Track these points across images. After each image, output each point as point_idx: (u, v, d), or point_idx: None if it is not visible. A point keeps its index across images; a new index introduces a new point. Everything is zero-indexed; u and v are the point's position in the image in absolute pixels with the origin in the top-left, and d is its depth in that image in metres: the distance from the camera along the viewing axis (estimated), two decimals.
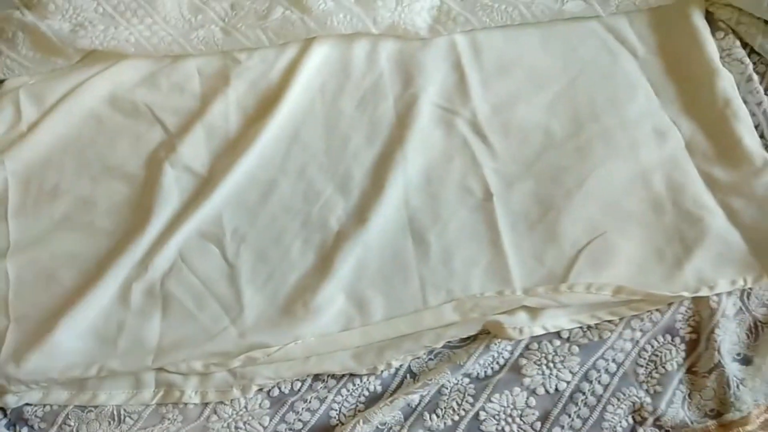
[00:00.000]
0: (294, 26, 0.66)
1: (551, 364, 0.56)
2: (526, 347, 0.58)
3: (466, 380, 0.57)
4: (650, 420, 0.55)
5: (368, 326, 0.57)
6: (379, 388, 0.57)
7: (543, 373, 0.56)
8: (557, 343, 0.58)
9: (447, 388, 0.56)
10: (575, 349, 0.57)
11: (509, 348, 0.57)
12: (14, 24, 0.64)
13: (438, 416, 0.55)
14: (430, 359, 0.58)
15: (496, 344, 0.57)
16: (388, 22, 0.67)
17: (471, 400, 0.56)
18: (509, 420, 0.55)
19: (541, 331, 0.57)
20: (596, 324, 0.58)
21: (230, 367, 0.56)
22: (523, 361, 0.57)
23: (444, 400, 0.56)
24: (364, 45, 0.69)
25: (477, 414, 0.55)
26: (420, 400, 0.56)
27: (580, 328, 0.58)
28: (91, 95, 0.67)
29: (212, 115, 0.66)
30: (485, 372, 0.57)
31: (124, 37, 0.65)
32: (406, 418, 0.55)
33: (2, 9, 0.67)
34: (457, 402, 0.55)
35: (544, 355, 0.57)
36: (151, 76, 0.68)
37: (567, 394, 0.56)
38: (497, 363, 0.57)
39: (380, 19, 0.67)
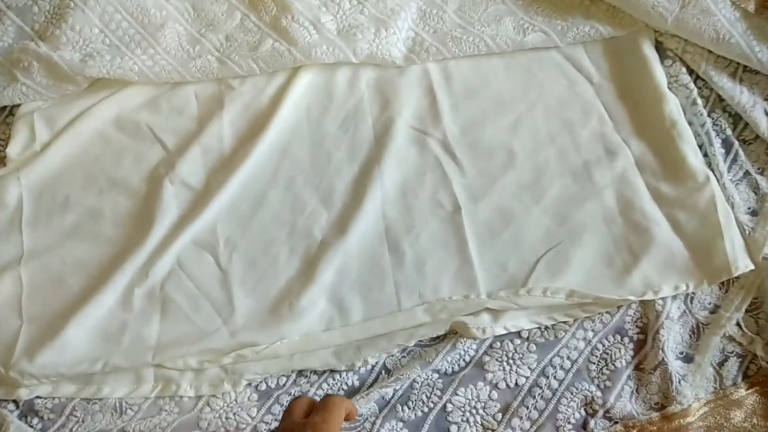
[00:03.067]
0: (282, 56, 0.71)
1: (511, 361, 0.62)
2: (490, 346, 0.63)
3: (435, 375, 0.62)
4: (600, 412, 0.60)
5: (347, 327, 0.62)
6: (357, 383, 0.62)
7: (504, 369, 0.62)
8: (517, 342, 0.63)
9: (418, 383, 0.61)
10: (533, 347, 0.62)
11: (474, 346, 0.63)
12: (30, 54, 0.69)
13: (409, 408, 0.60)
14: (403, 356, 0.63)
15: (462, 343, 0.63)
16: (366, 53, 0.72)
17: (439, 393, 0.61)
18: (473, 411, 0.60)
19: (503, 331, 0.63)
20: (552, 325, 0.63)
21: (222, 364, 0.61)
22: (486, 359, 0.62)
23: (415, 394, 0.61)
24: (345, 72, 0.74)
25: (444, 406, 0.60)
26: (393, 394, 0.61)
27: (538, 328, 0.63)
28: (98, 117, 0.71)
29: (208, 136, 0.71)
30: (452, 368, 0.62)
31: (128, 66, 0.70)
32: (380, 410, 0.60)
33: (18, 40, 0.73)
34: (426, 395, 0.61)
35: (505, 353, 0.62)
36: (152, 100, 0.73)
37: (525, 388, 0.61)
38: (463, 360, 0.63)
39: (359, 50, 0.72)
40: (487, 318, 0.63)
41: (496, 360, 0.62)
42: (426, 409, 0.60)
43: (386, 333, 0.63)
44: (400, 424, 0.60)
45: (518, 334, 0.63)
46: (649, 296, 0.62)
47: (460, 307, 0.62)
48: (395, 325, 0.63)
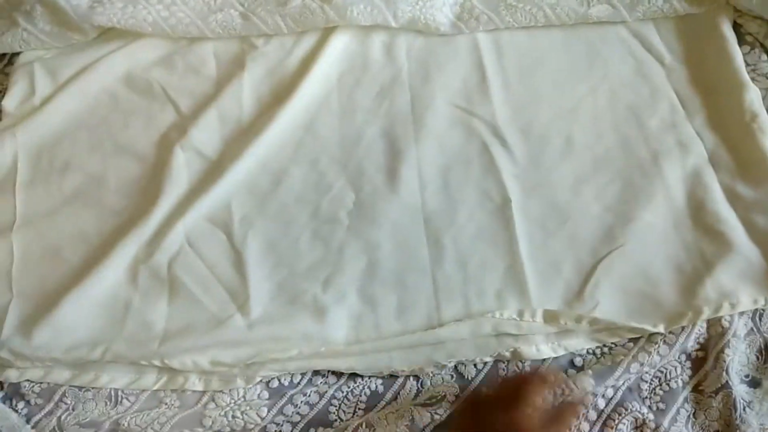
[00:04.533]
0: (313, 14, 0.65)
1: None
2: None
3: None
4: None
5: (378, 341, 0.56)
6: (381, 388, 0.56)
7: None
8: (572, 371, 0.56)
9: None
10: (589, 372, 0.55)
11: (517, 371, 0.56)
12: None
13: None
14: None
15: (506, 364, 0.56)
16: (408, 16, 0.66)
17: None
18: None
19: (562, 352, 0.56)
20: (611, 347, 0.56)
21: (235, 369, 0.55)
22: None
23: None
24: (383, 38, 0.68)
25: None
26: (430, 421, 0.54)
27: (594, 354, 0.56)
28: (106, 73, 0.66)
29: (226, 100, 0.65)
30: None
31: (142, 16, 0.64)
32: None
33: None
34: None
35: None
36: (167, 57, 0.67)
37: None
38: None
39: (401, 12, 0.65)
40: (541, 337, 0.56)
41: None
42: None
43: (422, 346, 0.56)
44: None
45: (572, 362, 0.56)
46: (725, 309, 0.55)
47: (510, 330, 0.55)
48: (433, 340, 0.56)
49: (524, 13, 0.66)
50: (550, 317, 0.55)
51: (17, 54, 0.67)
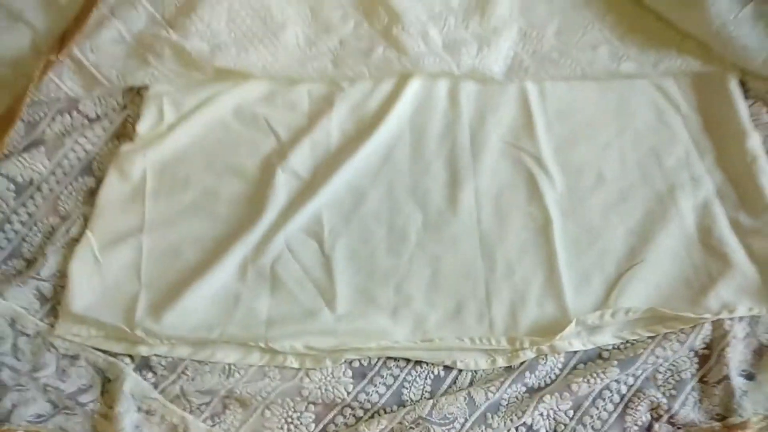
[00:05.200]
0: (391, 64, 0.77)
1: (596, 376, 0.66)
2: (574, 366, 0.67)
3: (523, 389, 0.67)
4: (665, 417, 0.66)
5: (435, 342, 0.67)
6: (442, 373, 0.68)
7: (588, 383, 0.66)
8: (599, 361, 0.67)
9: (507, 395, 0.66)
10: (614, 362, 0.66)
11: (560, 365, 0.67)
12: (162, 41, 0.75)
13: (499, 417, 0.65)
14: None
15: (548, 360, 0.67)
16: (469, 66, 0.77)
17: (525, 408, 0.65)
18: (550, 413, 0.66)
19: (591, 346, 0.67)
20: (633, 342, 0.67)
21: (324, 353, 0.67)
22: (571, 377, 0.66)
23: (504, 406, 0.66)
24: (448, 84, 0.79)
25: (532, 420, 0.65)
26: (486, 399, 0.65)
27: (618, 348, 0.68)
28: (220, 106, 0.78)
29: (317, 131, 0.77)
30: (539, 384, 0.67)
31: (252, 60, 0.76)
32: (470, 413, 0.65)
33: (149, 27, 0.79)
34: (514, 410, 0.65)
35: (590, 372, 0.66)
36: (269, 95, 0.79)
37: (597, 390, 0.66)
38: (549, 377, 0.67)
39: (463, 63, 0.77)
40: (574, 334, 0.67)
41: (581, 377, 0.66)
42: (515, 417, 0.65)
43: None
44: (488, 429, 0.65)
45: (599, 354, 0.68)
46: (724, 315, 0.67)
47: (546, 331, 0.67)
48: (484, 346, 0.68)
49: (564, 67, 0.78)
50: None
51: (145, 87, 0.79)
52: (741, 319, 0.68)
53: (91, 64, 0.76)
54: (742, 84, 0.79)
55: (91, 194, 0.76)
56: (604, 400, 0.66)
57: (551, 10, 0.80)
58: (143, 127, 0.77)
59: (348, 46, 0.78)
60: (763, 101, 0.77)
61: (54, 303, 0.71)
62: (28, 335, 0.70)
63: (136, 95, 0.80)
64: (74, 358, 0.69)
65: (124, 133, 0.78)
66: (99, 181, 0.76)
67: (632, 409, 0.66)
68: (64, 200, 0.75)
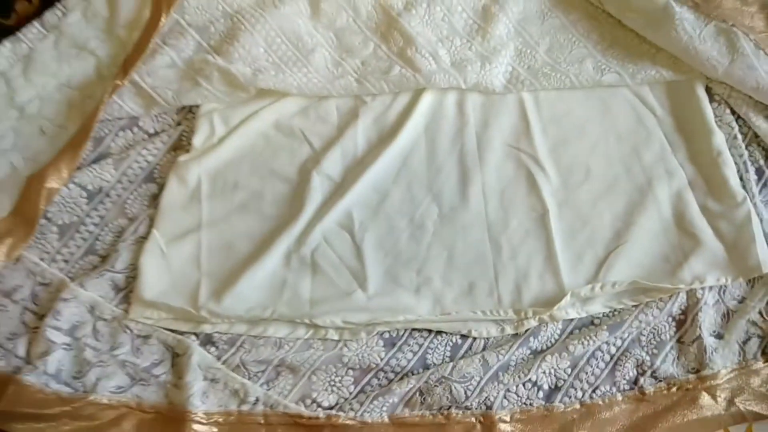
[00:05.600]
0: (407, 80, 0.87)
1: (589, 339, 0.77)
2: (570, 332, 0.79)
3: (528, 351, 0.78)
4: (648, 372, 0.77)
5: (453, 315, 0.78)
6: (459, 341, 0.79)
7: (583, 344, 0.77)
8: (591, 327, 0.79)
9: (515, 356, 0.78)
10: (604, 327, 0.78)
11: (558, 331, 0.78)
12: (210, 66, 0.87)
13: (509, 374, 0.77)
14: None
15: (548, 327, 0.78)
16: (474, 81, 0.88)
17: (530, 366, 0.77)
18: (551, 371, 0.77)
19: (584, 314, 0.78)
20: (620, 310, 0.79)
21: (359, 326, 0.78)
22: (568, 340, 0.78)
23: (512, 365, 0.77)
24: (456, 97, 0.89)
25: (537, 376, 0.77)
26: (497, 360, 0.77)
27: (607, 315, 0.79)
28: (262, 120, 0.88)
29: (346, 140, 0.87)
30: (542, 347, 0.78)
31: (289, 81, 0.87)
32: (484, 372, 0.77)
33: (197, 53, 0.91)
34: (521, 367, 0.77)
35: (584, 335, 0.78)
36: (304, 109, 0.89)
37: (591, 350, 0.77)
38: (550, 341, 0.79)
39: (468, 79, 0.87)
40: (569, 305, 0.79)
41: (576, 339, 0.78)
42: (522, 374, 0.77)
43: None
44: (499, 384, 0.76)
45: (592, 321, 0.79)
46: (695, 285, 0.78)
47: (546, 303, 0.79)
48: (494, 317, 0.79)
49: (555, 79, 0.88)
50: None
51: (197, 105, 0.90)
52: (711, 288, 0.80)
53: (149, 87, 0.88)
54: (708, 89, 0.88)
55: (154, 198, 0.86)
56: (596, 359, 0.78)
57: (542, 31, 0.91)
58: (198, 140, 0.88)
59: (369, 66, 0.90)
60: (726, 104, 0.88)
61: (127, 291, 0.81)
62: (105, 319, 0.81)
63: (188, 112, 0.91)
64: (147, 337, 0.80)
65: (180, 145, 0.89)
66: (160, 187, 0.86)
67: (621, 366, 0.78)
68: (131, 204, 0.86)
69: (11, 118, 0.89)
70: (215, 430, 0.76)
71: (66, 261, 0.84)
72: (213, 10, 0.91)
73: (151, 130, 0.91)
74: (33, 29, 0.92)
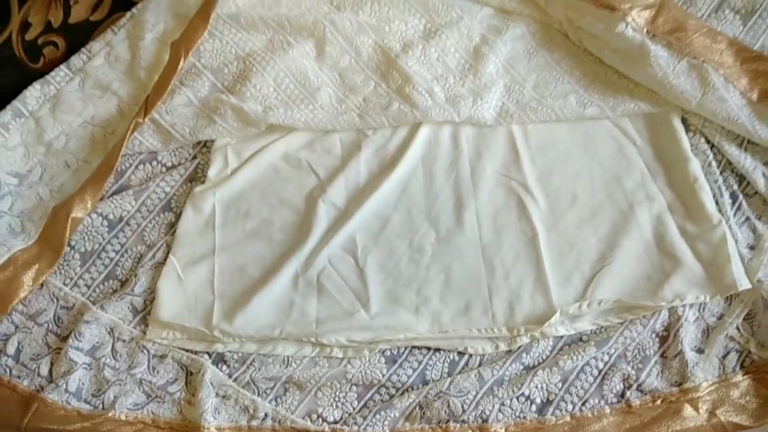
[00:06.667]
0: (405, 115, 0.94)
1: (577, 355, 0.83)
2: (560, 349, 0.84)
3: (521, 367, 0.83)
4: (634, 386, 0.82)
5: (449, 333, 0.83)
6: (456, 357, 0.85)
7: (573, 360, 0.83)
8: (580, 343, 0.84)
9: (509, 372, 0.83)
10: (592, 343, 0.83)
11: (549, 348, 0.84)
12: (224, 104, 0.94)
13: (503, 389, 0.82)
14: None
15: (539, 343, 0.84)
16: (467, 115, 0.94)
17: (523, 381, 0.82)
18: (542, 386, 0.82)
19: (572, 332, 0.84)
20: (606, 327, 0.84)
21: (363, 344, 0.84)
22: (558, 356, 0.83)
23: (507, 379, 0.82)
24: (451, 130, 0.95)
25: (530, 390, 0.81)
26: (492, 376, 0.82)
27: (594, 332, 0.84)
28: (272, 153, 0.94)
29: (349, 170, 0.93)
30: (533, 362, 0.83)
31: (297, 117, 0.94)
32: (480, 387, 0.82)
33: (211, 92, 0.98)
34: (515, 382, 0.82)
35: (572, 350, 0.83)
36: (310, 143, 0.95)
37: (580, 366, 0.82)
38: (541, 357, 0.84)
39: (462, 112, 0.94)
40: (559, 322, 0.85)
41: (566, 354, 0.83)
42: (515, 389, 0.82)
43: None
44: (495, 398, 0.81)
45: (580, 338, 0.84)
46: (676, 303, 0.83)
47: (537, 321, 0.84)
48: (489, 335, 0.84)
49: (542, 112, 0.94)
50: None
51: (212, 140, 0.96)
52: (691, 306, 0.85)
53: (168, 124, 0.95)
54: (684, 120, 0.94)
55: (171, 226, 0.92)
56: (585, 373, 0.83)
57: (529, 69, 0.98)
58: (212, 171, 0.94)
59: (370, 103, 0.97)
60: (701, 133, 0.94)
61: (145, 314, 0.87)
62: (124, 340, 0.87)
63: (203, 147, 0.98)
64: (162, 357, 0.86)
65: (195, 177, 0.96)
66: (177, 216, 0.93)
67: (608, 380, 0.83)
68: (149, 232, 0.92)
69: (39, 153, 0.97)
70: None
71: (88, 286, 0.91)
72: (227, 53, 0.99)
73: (169, 164, 0.98)
74: (60, 72, 1.00)
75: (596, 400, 0.82)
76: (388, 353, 0.86)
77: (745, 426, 0.80)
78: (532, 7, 1.01)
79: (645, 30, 0.93)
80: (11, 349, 0.86)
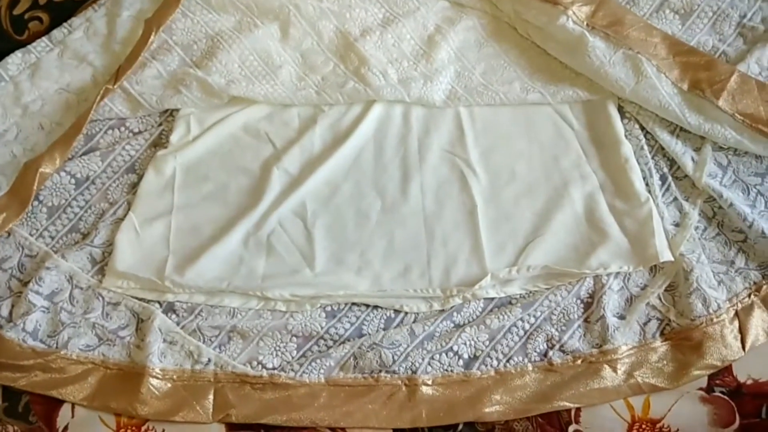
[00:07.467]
0: (359, 93, 1.00)
1: (504, 315, 0.88)
2: (490, 310, 0.89)
3: (451, 325, 0.88)
4: (557, 346, 0.86)
5: (388, 292, 0.88)
6: (392, 315, 0.90)
7: (499, 319, 0.88)
8: (508, 305, 0.89)
9: (439, 329, 0.88)
10: (518, 304, 0.89)
11: (480, 308, 0.89)
12: (190, 76, 1.00)
13: (433, 343, 0.86)
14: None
15: (470, 304, 0.89)
16: (417, 96, 1.00)
17: (453, 336, 0.87)
18: (471, 342, 0.87)
19: (502, 294, 0.89)
20: (534, 291, 0.90)
21: (305, 299, 0.89)
22: (486, 315, 0.88)
23: (437, 335, 0.87)
24: (402, 109, 1.01)
25: (457, 345, 0.86)
26: (423, 331, 0.87)
27: (523, 296, 0.90)
28: (232, 123, 1.00)
29: (304, 141, 0.98)
30: (464, 321, 0.88)
31: (257, 91, 1.00)
32: (411, 341, 0.86)
33: (180, 66, 1.05)
34: (445, 337, 0.87)
35: (499, 310, 0.88)
36: (269, 115, 1.01)
37: (507, 326, 0.87)
38: (472, 317, 0.89)
39: (413, 93, 0.99)
40: (490, 285, 0.90)
41: (494, 315, 0.88)
42: (444, 343, 0.87)
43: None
44: (424, 352, 0.86)
45: (509, 301, 0.90)
46: (600, 271, 0.89)
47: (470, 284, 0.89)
48: (424, 294, 0.90)
49: (487, 96, 1.01)
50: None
51: (177, 109, 1.03)
52: (616, 276, 0.90)
53: (137, 93, 1.02)
54: (620, 108, 1.00)
55: (133, 187, 0.98)
56: (511, 333, 0.88)
57: (479, 57, 1.05)
58: (175, 138, 1.00)
59: (328, 81, 1.03)
60: (635, 120, 1.00)
61: (102, 264, 0.93)
62: (81, 288, 0.92)
63: (169, 116, 1.04)
64: (116, 304, 0.91)
65: (159, 142, 1.02)
66: (140, 177, 0.98)
67: (532, 340, 0.87)
68: (113, 191, 0.98)
69: (16, 115, 1.03)
70: (169, 385, 0.86)
71: (52, 237, 0.96)
72: (197, 32, 1.06)
73: (136, 130, 1.04)
74: (42, 43, 1.08)
75: (520, 358, 0.86)
76: (329, 308, 0.91)
77: (660, 387, 0.84)
78: (483, 1, 1.09)
79: (585, 23, 1.00)
80: None
